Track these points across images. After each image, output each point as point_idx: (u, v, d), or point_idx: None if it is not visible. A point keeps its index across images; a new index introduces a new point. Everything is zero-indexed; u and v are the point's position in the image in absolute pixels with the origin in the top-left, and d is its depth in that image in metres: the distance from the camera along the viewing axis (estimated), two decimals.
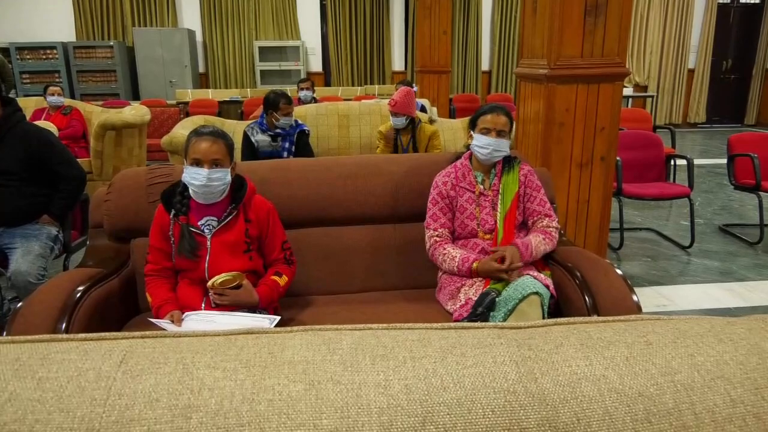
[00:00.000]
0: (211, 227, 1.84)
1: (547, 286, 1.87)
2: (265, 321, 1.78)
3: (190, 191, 1.83)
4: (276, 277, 1.91)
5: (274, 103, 3.50)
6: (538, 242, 2.00)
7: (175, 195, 1.85)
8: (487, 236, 2.06)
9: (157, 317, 1.80)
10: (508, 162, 2.12)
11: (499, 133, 2.04)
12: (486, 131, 2.05)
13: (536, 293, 1.78)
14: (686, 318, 0.74)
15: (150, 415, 0.57)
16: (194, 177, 1.76)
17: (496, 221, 2.06)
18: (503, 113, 2.07)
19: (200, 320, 1.74)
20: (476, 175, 2.12)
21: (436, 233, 2.08)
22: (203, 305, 1.82)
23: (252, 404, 0.59)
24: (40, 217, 2.63)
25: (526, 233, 2.11)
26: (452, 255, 2.01)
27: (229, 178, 1.83)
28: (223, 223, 1.84)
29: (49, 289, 1.75)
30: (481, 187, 2.10)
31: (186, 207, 1.84)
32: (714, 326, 0.71)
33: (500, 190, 2.08)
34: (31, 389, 0.59)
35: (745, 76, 10.84)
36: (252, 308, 1.83)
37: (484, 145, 2.05)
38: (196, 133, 1.81)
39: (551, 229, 2.07)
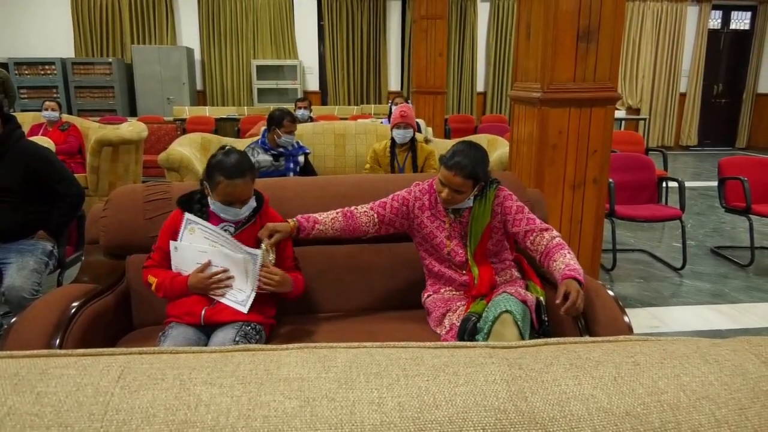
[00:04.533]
0: (228, 233, 1.87)
1: (524, 301, 1.82)
2: (253, 254, 1.82)
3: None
4: (296, 274, 1.97)
5: (279, 120, 3.55)
6: (571, 257, 1.84)
7: (194, 201, 1.89)
8: (463, 271, 2.01)
9: (173, 288, 1.83)
10: (481, 190, 1.97)
11: (455, 191, 1.89)
12: (442, 184, 1.91)
13: (507, 311, 1.74)
14: (673, 339, 0.75)
15: (147, 430, 0.58)
16: (226, 212, 1.83)
17: (466, 254, 1.99)
18: (461, 176, 1.85)
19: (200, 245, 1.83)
20: None
21: (363, 208, 2.02)
22: (203, 313, 1.83)
23: (248, 420, 0.60)
24: (36, 232, 2.64)
25: (514, 250, 2.12)
26: (320, 216, 1.97)
27: (254, 202, 1.89)
28: (240, 230, 1.88)
29: (44, 304, 1.75)
30: (452, 216, 2.00)
31: (206, 214, 1.88)
32: (700, 347, 0.72)
33: (470, 222, 1.98)
34: (30, 404, 0.60)
35: (736, 100, 11.00)
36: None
37: (439, 191, 1.94)
38: (226, 173, 1.76)
39: (558, 238, 1.92)
